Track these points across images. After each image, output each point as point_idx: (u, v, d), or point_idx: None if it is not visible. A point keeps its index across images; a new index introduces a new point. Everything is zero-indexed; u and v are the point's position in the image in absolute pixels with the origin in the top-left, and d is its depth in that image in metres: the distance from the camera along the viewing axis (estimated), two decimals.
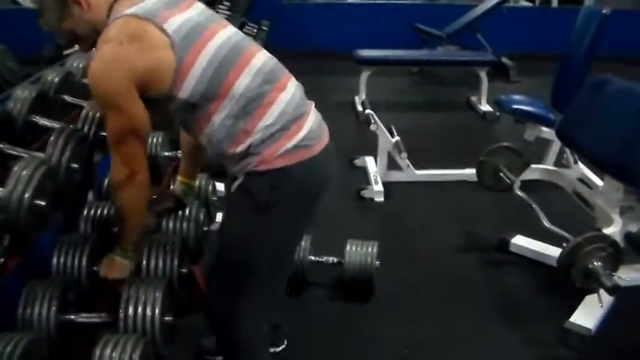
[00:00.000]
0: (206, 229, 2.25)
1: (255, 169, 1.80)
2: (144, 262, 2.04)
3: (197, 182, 2.38)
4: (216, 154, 1.87)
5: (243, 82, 1.77)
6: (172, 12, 1.75)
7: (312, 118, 1.89)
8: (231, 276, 1.93)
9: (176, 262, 2.09)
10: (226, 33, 1.82)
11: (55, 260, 1.91)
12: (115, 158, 1.79)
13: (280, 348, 2.61)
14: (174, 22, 1.73)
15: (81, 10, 1.79)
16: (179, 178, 2.22)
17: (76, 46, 3.56)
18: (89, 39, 1.85)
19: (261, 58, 1.85)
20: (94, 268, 1.95)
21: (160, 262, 2.03)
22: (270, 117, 1.79)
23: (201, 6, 1.87)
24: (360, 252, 2.89)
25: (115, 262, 1.91)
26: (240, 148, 1.79)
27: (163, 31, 1.70)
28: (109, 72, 1.69)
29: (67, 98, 2.52)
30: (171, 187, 2.48)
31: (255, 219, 1.84)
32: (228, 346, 2.09)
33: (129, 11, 1.71)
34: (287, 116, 1.81)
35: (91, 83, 1.74)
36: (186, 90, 1.74)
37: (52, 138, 2.01)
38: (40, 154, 1.97)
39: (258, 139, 1.78)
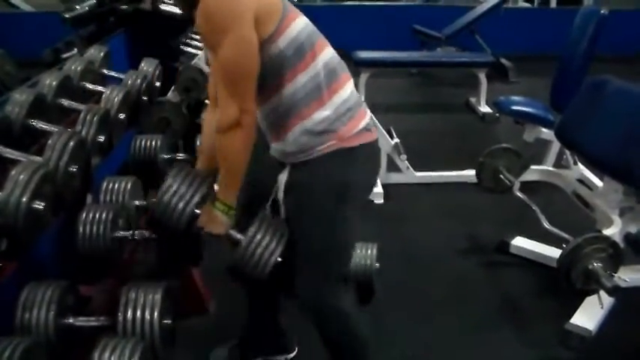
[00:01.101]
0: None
1: (331, 149, 1.90)
2: None
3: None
4: (289, 120, 1.91)
5: (326, 55, 1.92)
6: None
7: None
8: (319, 259, 2.01)
9: None
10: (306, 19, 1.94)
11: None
12: (225, 97, 1.80)
13: (292, 355, 2.63)
14: None
15: None
16: None
17: (75, 50, 3.58)
18: None
19: (331, 48, 1.98)
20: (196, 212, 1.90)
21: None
22: (344, 93, 1.93)
23: None
24: (359, 254, 2.88)
25: (217, 217, 1.91)
26: (316, 116, 1.88)
27: None
28: (228, 14, 1.73)
29: (65, 102, 2.51)
30: None
31: (338, 201, 1.94)
32: (326, 328, 2.14)
33: None
34: (355, 99, 1.97)
35: (209, 11, 1.73)
36: (285, 39, 1.83)
37: (49, 141, 2.00)
38: (38, 158, 1.97)
39: (334, 114, 1.90)
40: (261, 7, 1.78)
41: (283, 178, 2.03)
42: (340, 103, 1.91)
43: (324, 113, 1.89)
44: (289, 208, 2.04)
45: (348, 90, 1.96)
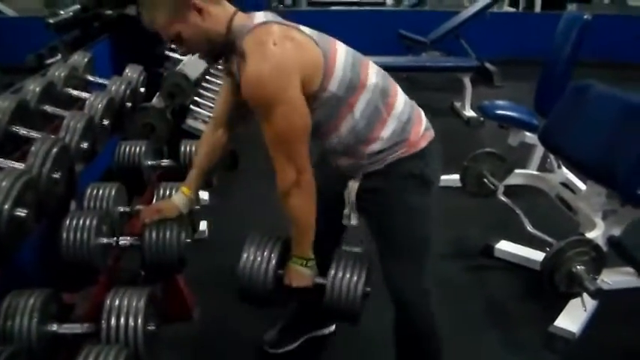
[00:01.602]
0: (189, 240, 2.24)
1: (406, 155, 2.00)
2: None
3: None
4: (358, 146, 1.99)
5: (372, 75, 1.97)
6: (292, 23, 1.89)
7: None
8: (410, 254, 2.10)
9: None
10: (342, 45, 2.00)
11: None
12: (281, 162, 1.87)
13: (333, 327, 2.81)
14: (303, 28, 1.90)
15: (199, 18, 1.82)
16: (184, 189, 2.23)
17: (59, 56, 3.56)
18: (195, 46, 1.90)
19: (373, 64, 2.05)
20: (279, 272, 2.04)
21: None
22: (399, 104, 2.01)
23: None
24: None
25: (298, 271, 2.02)
26: (383, 134, 1.97)
27: (302, 31, 1.87)
28: (277, 71, 1.76)
29: (49, 108, 2.50)
30: (156, 196, 2.47)
31: (423, 195, 2.06)
32: (415, 322, 2.21)
33: (260, 21, 1.82)
34: (409, 103, 2.07)
35: (259, 84, 1.77)
36: (334, 83, 1.88)
37: (32, 148, 2.00)
38: (21, 165, 1.96)
39: (398, 127, 1.98)
40: (306, 67, 1.83)
41: (354, 185, 2.10)
42: (400, 114, 2.00)
43: (389, 130, 1.98)
44: (371, 212, 2.13)
45: (401, 99, 2.05)
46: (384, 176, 2.03)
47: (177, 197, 2.23)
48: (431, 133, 2.09)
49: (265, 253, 2.05)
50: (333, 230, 2.35)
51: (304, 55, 1.83)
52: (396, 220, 2.07)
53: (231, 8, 1.91)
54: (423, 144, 2.04)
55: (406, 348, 2.29)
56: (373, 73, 1.99)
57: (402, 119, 2.00)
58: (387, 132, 1.98)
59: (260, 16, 1.86)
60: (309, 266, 2.03)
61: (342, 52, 1.94)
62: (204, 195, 3.43)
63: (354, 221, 2.16)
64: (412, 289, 2.13)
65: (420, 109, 2.14)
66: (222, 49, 1.92)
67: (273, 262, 2.04)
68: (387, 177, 2.03)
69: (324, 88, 1.87)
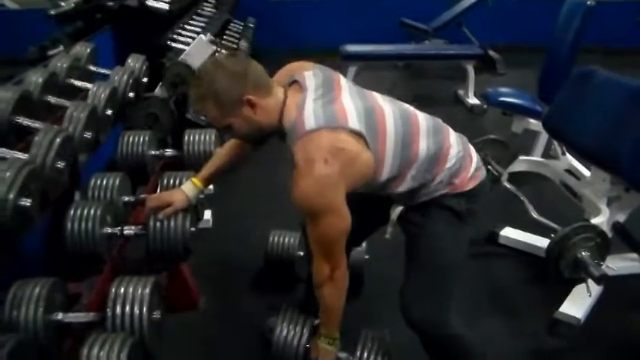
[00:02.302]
0: (193, 229, 2.24)
1: (450, 193, 2.04)
2: None
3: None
4: (408, 196, 2.07)
5: (424, 145, 1.99)
6: (339, 101, 1.89)
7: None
8: (435, 280, 2.11)
9: None
10: (388, 106, 2.02)
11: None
12: (318, 257, 1.96)
13: None
14: (352, 114, 1.87)
15: (251, 112, 1.86)
16: (196, 181, 2.24)
17: (61, 47, 3.56)
18: (245, 136, 1.98)
19: (421, 116, 2.09)
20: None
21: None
22: (451, 156, 2.03)
23: (345, 82, 2.02)
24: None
25: (325, 348, 2.17)
26: (433, 183, 2.02)
27: (353, 131, 1.84)
28: (324, 190, 1.82)
29: (52, 99, 2.50)
30: (159, 185, 2.48)
31: (456, 226, 2.08)
32: (437, 348, 2.24)
33: (312, 126, 1.82)
34: (460, 148, 2.07)
35: (305, 200, 1.83)
36: (385, 172, 1.95)
37: (36, 138, 2.00)
38: (25, 155, 1.96)
39: (447, 176, 2.01)
40: (355, 180, 1.89)
41: (397, 209, 2.17)
42: (451, 166, 2.03)
43: (438, 180, 2.02)
44: (407, 233, 2.19)
45: (454, 148, 2.05)
46: (425, 207, 2.08)
47: (188, 187, 2.23)
48: (481, 174, 2.12)
49: (297, 329, 2.29)
50: (361, 233, 2.39)
51: (354, 170, 1.86)
52: (424, 246, 2.11)
53: (280, 93, 1.93)
54: (471, 185, 2.07)
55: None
56: (424, 138, 2.00)
57: (453, 170, 2.03)
58: (436, 181, 2.02)
59: (309, 112, 1.84)
60: (335, 345, 2.18)
61: (391, 136, 1.94)
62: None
63: (387, 235, 2.26)
64: (425, 316, 2.11)
65: (472, 149, 2.15)
66: (272, 135, 1.97)
67: (305, 337, 2.27)
68: (427, 207, 2.08)
69: (374, 179, 1.95)
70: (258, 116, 1.87)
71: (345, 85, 1.99)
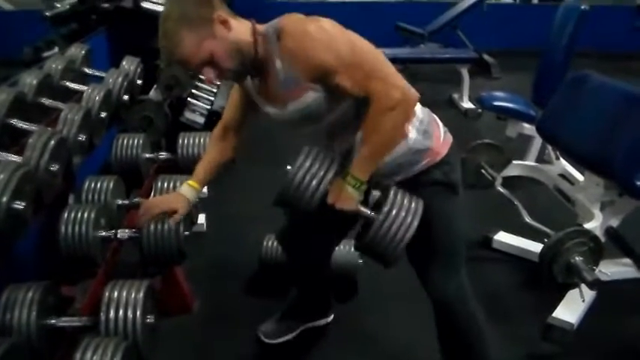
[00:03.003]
0: (187, 233, 2.24)
1: (432, 164, 2.02)
2: None
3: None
4: (391, 166, 2.00)
5: (398, 78, 1.89)
6: None
7: None
8: (447, 256, 2.13)
9: None
10: None
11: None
12: (384, 84, 1.80)
13: (330, 318, 2.82)
14: None
15: (225, 31, 1.82)
16: (192, 183, 2.19)
17: (56, 49, 3.55)
18: (229, 63, 1.85)
19: None
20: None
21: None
22: (420, 112, 2.03)
23: None
24: (343, 251, 2.90)
25: (347, 191, 1.86)
26: (405, 142, 1.95)
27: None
28: (332, 25, 1.83)
29: (46, 101, 2.50)
30: (154, 188, 2.47)
31: (453, 199, 2.09)
32: (454, 322, 2.21)
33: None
34: (427, 114, 2.08)
35: (322, 50, 1.77)
36: None
37: (30, 141, 1.99)
38: (18, 158, 1.96)
39: (420, 133, 1.99)
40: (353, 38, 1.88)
41: (377, 194, 2.09)
42: (420, 121, 2.02)
43: (410, 138, 1.98)
44: None
45: (419, 108, 2.04)
46: (412, 185, 2.03)
47: (187, 191, 2.18)
48: (449, 137, 2.12)
49: (322, 167, 1.88)
50: (344, 227, 2.36)
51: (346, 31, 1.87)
52: (427, 226, 2.02)
53: (247, 21, 1.92)
54: (446, 150, 2.06)
55: (450, 350, 2.30)
56: (398, 75, 1.96)
57: (424, 124, 2.02)
58: (411, 135, 1.97)
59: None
60: (361, 190, 1.88)
61: (370, 47, 1.95)
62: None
63: None
64: (451, 288, 2.14)
65: (436, 117, 2.15)
66: (252, 64, 1.90)
67: (329, 176, 1.88)
68: (415, 186, 2.02)
69: None
70: (233, 34, 1.83)
71: None
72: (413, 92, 1.85)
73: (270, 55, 1.87)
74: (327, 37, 1.80)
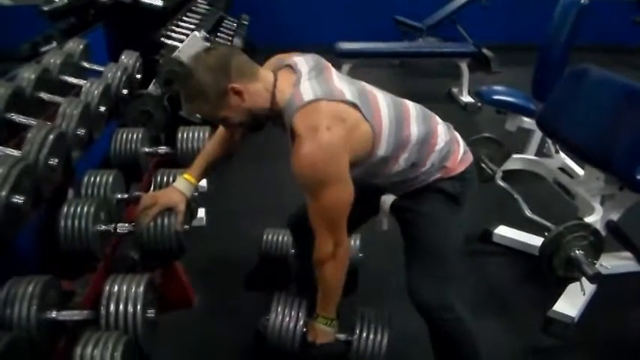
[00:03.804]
0: (187, 227, 2.23)
1: (443, 177, 2.08)
2: None
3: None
4: (401, 183, 2.11)
5: (414, 129, 2.02)
6: (332, 82, 1.94)
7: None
8: (437, 263, 2.14)
9: None
10: (377, 91, 2.07)
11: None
12: (321, 233, 1.95)
13: None
14: (346, 91, 1.92)
15: (239, 100, 1.87)
16: (188, 177, 2.22)
17: (54, 43, 3.54)
18: (242, 124, 2.00)
19: (409, 103, 2.12)
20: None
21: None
22: (439, 143, 2.06)
23: (333, 69, 2.05)
24: None
25: (322, 329, 2.14)
26: (424, 169, 2.05)
27: (351, 103, 1.88)
28: (330, 157, 1.83)
29: (44, 95, 2.49)
30: (153, 183, 2.47)
31: (454, 211, 2.12)
32: (442, 331, 2.23)
33: (310, 97, 1.85)
34: (448, 134, 2.11)
35: (310, 169, 1.84)
36: (382, 148, 1.96)
37: (29, 135, 1.99)
38: (17, 152, 1.95)
39: (437, 160, 2.05)
40: (357, 148, 1.91)
41: (388, 199, 2.22)
42: (440, 150, 2.06)
43: (429, 164, 2.06)
44: (402, 219, 2.22)
45: (442, 134, 2.09)
46: (419, 192, 2.12)
47: (181, 183, 2.20)
48: (469, 157, 2.16)
49: (293, 313, 2.21)
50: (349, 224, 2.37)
51: (355, 137, 1.89)
52: (422, 229, 2.13)
53: (269, 76, 1.95)
54: (462, 168, 2.11)
55: (440, 351, 2.30)
56: (414, 123, 2.04)
57: (442, 153, 2.07)
58: (427, 166, 2.06)
59: (305, 87, 1.88)
60: (332, 325, 2.15)
61: (385, 115, 1.98)
62: (202, 182, 3.42)
63: (384, 227, 2.31)
64: (432, 297, 2.14)
65: (457, 135, 2.19)
66: (268, 119, 1.99)
67: (301, 322, 2.19)
68: (422, 192, 2.11)
69: (372, 154, 1.96)
70: (247, 103, 1.89)
71: (334, 70, 2.04)
72: (344, 251, 2.01)
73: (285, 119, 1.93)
74: (319, 161, 1.83)
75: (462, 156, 2.13)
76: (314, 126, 1.81)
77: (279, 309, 2.23)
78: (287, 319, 2.21)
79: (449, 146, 2.09)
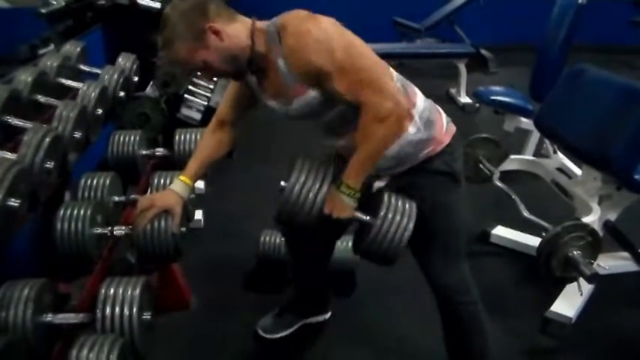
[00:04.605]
0: (184, 229, 2.23)
1: (435, 152, 2.04)
2: None
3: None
4: (393, 157, 2.03)
5: (398, 84, 2.01)
6: None
7: None
8: (447, 245, 2.14)
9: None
10: None
11: None
12: (377, 95, 1.82)
13: (328, 315, 2.82)
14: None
15: (218, 40, 1.85)
16: (184, 178, 2.19)
17: (51, 46, 3.54)
18: (223, 68, 1.92)
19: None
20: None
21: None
22: (420, 104, 2.05)
23: None
24: (340, 247, 2.89)
25: (342, 200, 1.94)
26: (408, 133, 1.98)
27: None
28: (332, 24, 1.85)
29: (41, 98, 2.49)
30: (150, 185, 2.47)
31: (454, 189, 2.11)
32: (457, 313, 2.22)
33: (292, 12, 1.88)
34: (429, 104, 2.10)
35: (319, 53, 1.79)
36: None
37: (25, 138, 1.98)
38: (13, 155, 1.95)
39: (421, 125, 2.01)
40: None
41: (379, 185, 2.18)
42: (421, 112, 2.03)
43: (410, 131, 1.99)
44: None
45: (420, 96, 2.09)
46: (414, 175, 2.08)
47: (177, 185, 2.18)
48: (453, 127, 2.14)
49: (318, 177, 1.94)
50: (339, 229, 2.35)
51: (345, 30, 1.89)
52: (429, 216, 2.07)
53: (247, 20, 1.94)
54: (448, 139, 2.08)
55: (453, 341, 2.30)
56: (397, 80, 2.04)
57: (425, 115, 2.04)
58: (411, 130, 2.00)
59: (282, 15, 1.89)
60: (355, 197, 1.95)
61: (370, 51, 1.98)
62: (199, 184, 3.43)
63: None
64: (454, 280, 2.15)
65: (438, 107, 2.17)
66: (248, 65, 1.94)
67: (325, 189, 1.93)
68: (417, 176, 2.08)
69: None
70: (226, 42, 1.86)
71: None
72: (404, 103, 1.91)
73: (272, 53, 1.88)
74: (326, 38, 1.81)
75: (446, 125, 2.10)
76: (304, 20, 1.84)
77: (302, 171, 1.94)
78: (309, 182, 1.93)
79: (429, 111, 2.06)
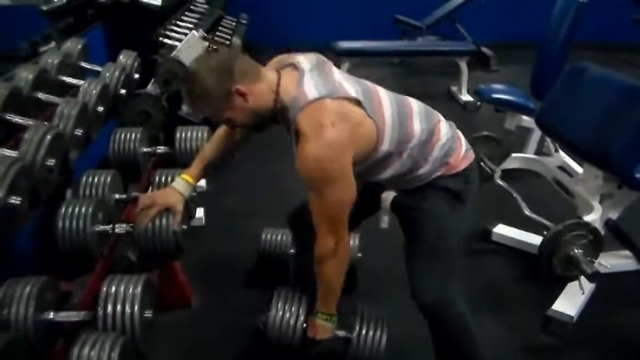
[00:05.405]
0: (185, 227, 2.23)
1: (447, 174, 2.08)
2: None
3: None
4: (404, 180, 2.10)
5: (417, 126, 2.03)
6: (335, 79, 1.95)
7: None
8: (440, 260, 2.13)
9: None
10: (379, 88, 2.08)
11: None
12: (323, 231, 1.96)
13: None
14: (350, 88, 1.94)
15: (243, 101, 1.89)
16: (186, 177, 2.22)
17: (52, 43, 3.54)
18: (247, 124, 2.02)
19: (411, 99, 2.14)
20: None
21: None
22: (442, 139, 2.07)
23: (334, 67, 2.06)
24: None
25: (323, 325, 2.18)
26: (426, 165, 2.05)
27: (354, 100, 1.90)
28: (335, 154, 1.84)
29: (42, 96, 2.48)
30: (151, 183, 2.46)
31: (457, 209, 2.11)
32: (444, 328, 2.21)
33: (315, 95, 1.86)
34: (450, 132, 2.11)
35: (318, 167, 1.85)
36: (386, 143, 1.97)
37: (26, 135, 1.98)
38: (14, 152, 1.95)
39: (440, 156, 2.05)
40: (361, 145, 1.92)
41: (389, 196, 2.22)
42: (441, 147, 2.06)
43: (431, 161, 2.06)
44: (403, 216, 2.22)
45: (444, 130, 2.10)
46: (422, 189, 2.12)
47: (179, 184, 2.20)
48: (471, 155, 2.16)
49: (293, 309, 2.24)
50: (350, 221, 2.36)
51: (360, 133, 1.90)
52: (424, 227, 2.12)
53: (273, 76, 1.95)
54: (464, 165, 2.11)
55: (440, 348, 2.30)
56: (417, 121, 2.05)
57: (444, 150, 2.07)
58: (429, 162, 2.06)
59: (309, 86, 1.89)
60: (332, 321, 2.18)
61: (388, 112, 1.99)
62: (201, 182, 3.42)
63: (384, 225, 2.28)
64: (435, 295, 2.13)
65: (459, 133, 2.19)
66: (271, 119, 1.99)
67: (302, 317, 2.22)
68: (425, 188, 2.11)
69: (375, 150, 1.97)
70: (251, 103, 1.90)
71: (335, 68, 2.05)
72: (344, 248, 2.02)
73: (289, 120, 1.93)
74: (323, 167, 1.85)
75: (464, 153, 2.13)
76: (319, 124, 1.82)
77: (279, 304, 2.25)
78: (287, 314, 2.23)
79: (450, 143, 2.09)
